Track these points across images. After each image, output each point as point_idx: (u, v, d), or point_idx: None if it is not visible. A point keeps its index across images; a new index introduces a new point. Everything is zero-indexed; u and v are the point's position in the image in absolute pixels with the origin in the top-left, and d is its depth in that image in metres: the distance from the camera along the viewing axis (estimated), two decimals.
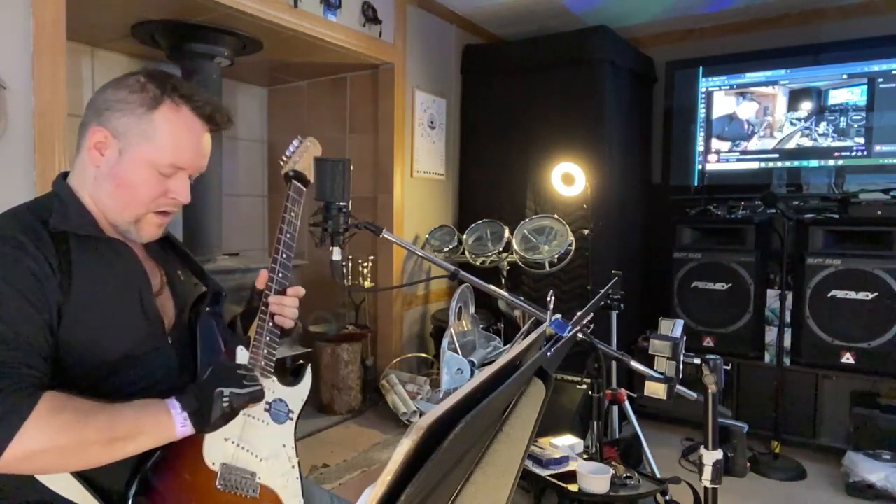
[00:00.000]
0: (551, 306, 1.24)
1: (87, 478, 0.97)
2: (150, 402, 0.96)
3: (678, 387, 1.23)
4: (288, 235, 1.23)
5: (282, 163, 1.30)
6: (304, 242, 3.88)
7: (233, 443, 1.09)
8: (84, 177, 1.06)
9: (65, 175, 1.10)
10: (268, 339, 1.18)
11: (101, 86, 1.08)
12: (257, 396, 1.03)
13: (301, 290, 1.23)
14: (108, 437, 0.90)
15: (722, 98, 3.67)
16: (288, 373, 1.24)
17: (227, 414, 0.99)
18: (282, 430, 1.17)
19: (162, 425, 0.95)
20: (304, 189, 1.30)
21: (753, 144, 3.58)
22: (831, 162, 3.36)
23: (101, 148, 1.04)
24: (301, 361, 1.28)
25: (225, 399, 0.98)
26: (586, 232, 3.31)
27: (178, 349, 1.13)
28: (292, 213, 1.25)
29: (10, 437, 0.83)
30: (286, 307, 1.20)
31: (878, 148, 3.25)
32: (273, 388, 1.17)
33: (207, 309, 1.18)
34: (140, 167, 1.04)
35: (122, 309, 1.04)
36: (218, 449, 1.06)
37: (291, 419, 1.19)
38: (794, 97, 3.46)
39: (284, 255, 1.22)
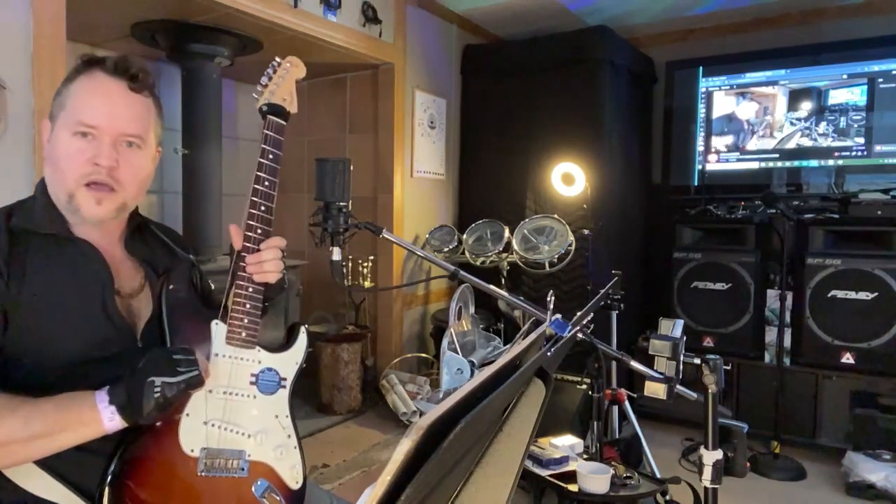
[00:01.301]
0: (551, 306, 1.24)
1: (61, 475, 0.96)
2: (76, 396, 0.92)
3: (678, 387, 1.23)
4: (266, 184, 1.10)
5: (255, 95, 1.12)
6: (305, 242, 3.88)
7: (214, 425, 1.04)
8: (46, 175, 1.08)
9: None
10: (248, 306, 1.07)
11: None
12: (193, 383, 0.95)
13: (281, 241, 1.11)
14: (26, 436, 0.88)
15: (722, 98, 3.67)
16: (276, 343, 1.14)
17: (160, 404, 0.92)
18: (273, 401, 1.10)
19: (86, 420, 0.91)
20: (284, 124, 1.13)
21: (753, 144, 3.58)
22: (831, 162, 3.36)
23: (45, 136, 1.06)
24: (296, 322, 1.19)
25: (157, 389, 0.92)
26: (586, 232, 3.31)
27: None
28: (270, 157, 1.11)
29: None
30: (265, 262, 1.08)
31: (878, 148, 3.25)
32: (259, 357, 1.09)
33: (171, 286, 1.09)
34: (60, 136, 1.03)
35: (80, 310, 1.01)
36: (196, 434, 1.02)
37: (284, 387, 1.11)
38: (794, 97, 3.46)
39: (263, 208, 1.10)
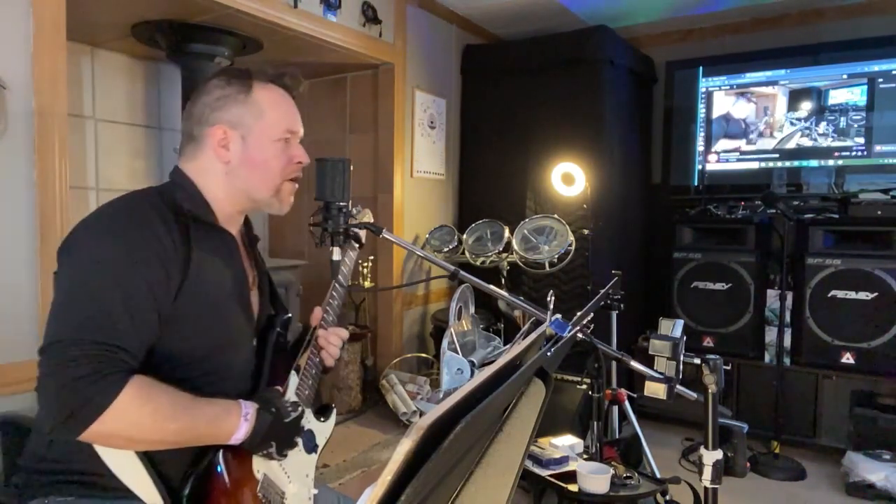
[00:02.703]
0: (551, 306, 1.24)
1: (151, 459, 1.00)
2: (223, 415, 1.01)
3: (678, 387, 1.23)
4: (340, 284, 1.34)
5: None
6: (305, 242, 3.88)
7: (274, 459, 1.12)
8: (207, 175, 1.14)
9: (178, 168, 1.16)
10: (313, 371, 1.25)
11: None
12: (276, 459, 1.09)
13: (345, 333, 1.31)
14: (176, 440, 0.97)
15: (722, 98, 3.67)
16: (315, 409, 1.29)
17: (264, 455, 1.06)
18: (308, 460, 1.20)
19: (222, 439, 1.01)
20: (357, 247, 1.42)
21: (753, 144, 3.58)
22: (831, 162, 3.36)
23: (224, 144, 1.12)
24: (330, 404, 1.33)
25: (272, 448, 1.06)
26: (586, 232, 3.31)
27: (257, 349, 1.20)
28: (346, 266, 1.37)
29: (94, 418, 0.88)
30: (331, 345, 1.27)
31: (878, 148, 3.25)
32: (309, 418, 1.22)
33: (279, 330, 1.26)
34: (266, 143, 1.13)
35: (228, 297, 1.11)
36: (263, 461, 1.10)
37: (315, 452, 1.23)
38: (794, 97, 3.46)
39: (336, 301, 1.33)
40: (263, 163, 1.13)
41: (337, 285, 1.33)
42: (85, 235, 1.00)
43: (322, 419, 1.27)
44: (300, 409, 1.12)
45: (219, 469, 1.03)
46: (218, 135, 1.11)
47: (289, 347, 1.32)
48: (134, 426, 0.92)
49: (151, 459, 0.99)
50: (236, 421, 1.01)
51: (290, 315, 1.30)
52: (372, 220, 1.49)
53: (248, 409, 1.03)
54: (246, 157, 1.13)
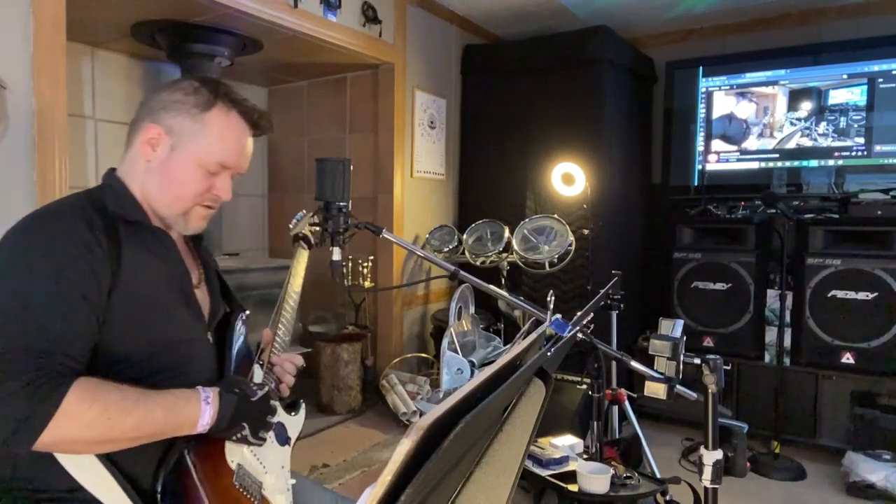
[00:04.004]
0: (551, 306, 1.24)
1: (115, 461, 0.99)
2: (181, 403, 0.99)
3: (678, 387, 1.23)
4: (291, 299, 1.34)
5: (290, 226, 1.51)
6: None
7: (248, 448, 1.11)
8: (133, 171, 1.12)
9: (113, 170, 1.15)
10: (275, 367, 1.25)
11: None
12: (255, 444, 1.08)
13: (300, 360, 1.30)
14: (138, 435, 0.95)
15: (722, 98, 3.67)
16: (284, 403, 1.29)
17: (239, 439, 1.05)
18: (282, 452, 1.20)
19: (188, 428, 0.99)
20: (307, 249, 1.46)
21: (753, 144, 3.58)
22: (831, 162, 3.36)
23: (153, 144, 1.10)
24: (298, 399, 1.31)
25: (245, 432, 1.04)
26: (586, 232, 3.31)
27: (217, 347, 1.18)
28: (298, 275, 1.39)
29: (42, 427, 0.86)
30: (287, 374, 1.26)
31: (878, 148, 3.25)
32: (279, 412, 1.21)
33: (248, 312, 1.27)
34: (189, 164, 1.10)
35: (167, 295, 1.08)
36: (237, 450, 1.09)
37: (289, 445, 1.22)
38: (794, 97, 3.46)
39: (289, 316, 1.32)
40: (179, 182, 1.10)
41: (288, 300, 1.30)
42: (8, 246, 0.98)
43: (292, 413, 1.27)
44: (266, 388, 1.10)
45: (189, 461, 1.01)
46: (152, 132, 1.09)
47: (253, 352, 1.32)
48: (87, 427, 0.90)
49: (116, 464, 0.98)
50: (196, 405, 0.99)
51: (247, 312, 1.29)
52: (314, 224, 1.55)
53: (208, 392, 1.01)
54: (165, 167, 1.10)
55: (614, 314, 2.58)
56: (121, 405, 0.92)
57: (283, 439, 1.21)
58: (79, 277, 0.95)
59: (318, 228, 1.55)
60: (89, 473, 0.96)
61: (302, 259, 1.43)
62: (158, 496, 0.99)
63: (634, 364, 1.33)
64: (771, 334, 3.18)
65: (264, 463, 1.13)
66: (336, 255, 1.58)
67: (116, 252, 1.01)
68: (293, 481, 1.20)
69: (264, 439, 1.09)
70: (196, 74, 2.98)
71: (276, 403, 1.17)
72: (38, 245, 0.96)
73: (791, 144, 3.47)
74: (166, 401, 0.97)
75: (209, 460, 1.04)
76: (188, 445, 1.02)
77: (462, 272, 1.55)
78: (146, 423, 0.94)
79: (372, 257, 3.54)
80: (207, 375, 1.12)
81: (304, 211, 1.53)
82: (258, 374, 1.20)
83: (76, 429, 0.89)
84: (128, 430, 0.93)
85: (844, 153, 3.32)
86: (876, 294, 2.86)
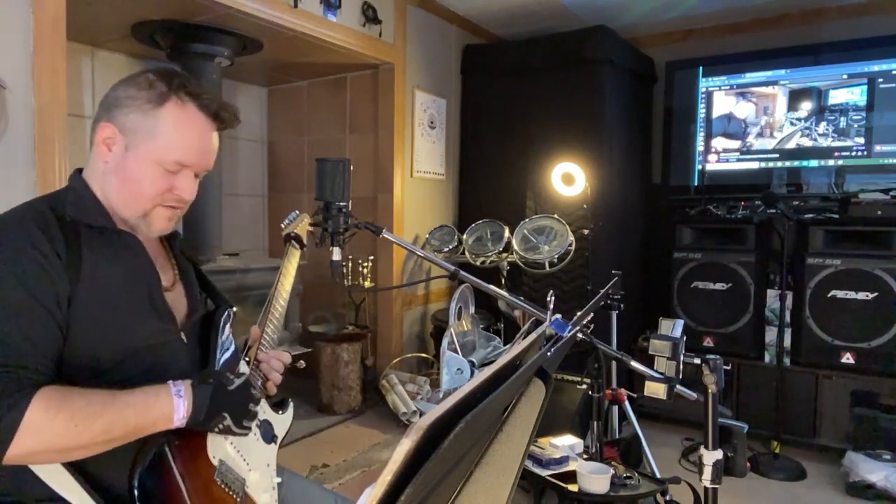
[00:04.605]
0: (551, 306, 1.24)
1: (83, 468, 0.96)
2: (151, 400, 0.95)
3: (678, 387, 1.23)
4: (280, 297, 1.32)
5: (283, 226, 1.51)
6: (305, 242, 3.87)
7: (231, 444, 1.09)
8: (94, 171, 1.08)
9: (80, 171, 1.12)
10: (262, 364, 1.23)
11: (111, 84, 1.10)
12: (240, 434, 1.06)
13: (287, 357, 1.27)
14: (110, 438, 0.92)
15: (722, 98, 3.67)
16: (272, 402, 1.28)
17: (221, 430, 1.02)
18: (268, 450, 1.18)
19: (162, 424, 0.96)
20: (299, 249, 1.46)
21: (753, 144, 3.58)
22: (831, 162, 3.36)
23: (108, 143, 1.05)
24: (286, 398, 1.30)
25: (227, 420, 1.02)
26: (586, 232, 3.31)
27: (191, 346, 1.14)
28: (289, 275, 1.38)
29: (7, 441, 0.85)
30: (274, 371, 1.23)
31: (878, 148, 3.25)
32: (264, 408, 1.21)
33: (234, 310, 1.24)
34: (145, 164, 1.04)
35: (131, 300, 1.04)
36: (219, 446, 1.07)
37: (275, 443, 1.21)
38: (794, 97, 3.46)
39: (279, 314, 1.30)
40: (135, 182, 1.05)
41: (279, 299, 1.28)
42: None
43: (280, 411, 1.25)
44: (244, 376, 1.08)
45: (169, 456, 1.00)
46: (107, 132, 1.04)
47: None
48: (56, 437, 0.87)
49: (85, 472, 0.96)
50: (168, 400, 0.96)
51: (234, 309, 1.26)
52: (309, 227, 1.56)
53: (179, 386, 0.98)
54: (121, 167, 1.05)
55: (614, 314, 2.58)
56: (87, 410, 0.90)
57: (268, 437, 1.19)
58: (37, 287, 0.92)
59: (318, 228, 1.55)
60: (60, 482, 0.95)
61: (293, 259, 1.42)
62: (136, 492, 0.96)
63: (634, 364, 1.33)
64: (771, 334, 3.18)
65: (248, 460, 1.11)
66: (336, 255, 1.58)
67: (76, 260, 0.97)
68: (279, 479, 1.18)
69: (249, 428, 1.06)
70: (196, 74, 2.98)
71: (259, 394, 1.14)
72: None
73: (791, 144, 3.47)
74: (135, 399, 0.94)
75: (190, 455, 1.02)
76: (168, 440, 1.00)
77: (462, 272, 1.55)
78: (116, 425, 0.92)
79: (372, 257, 3.54)
80: (187, 376, 1.09)
81: (297, 211, 1.53)
82: (244, 368, 1.19)
83: (45, 439, 0.87)
84: (98, 434, 0.90)
85: (844, 153, 3.32)
86: (876, 294, 2.86)
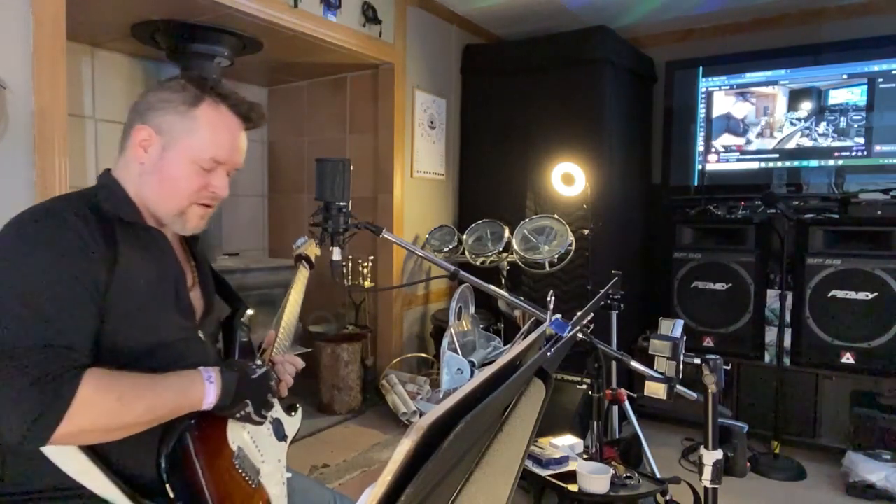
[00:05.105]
0: (551, 306, 1.24)
1: (109, 461, 0.99)
2: (187, 384, 1.00)
3: (678, 387, 1.23)
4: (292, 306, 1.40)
5: (294, 247, 1.61)
6: None
7: (249, 434, 1.13)
8: (128, 173, 1.12)
9: (109, 171, 1.15)
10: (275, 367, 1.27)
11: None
12: (258, 422, 1.09)
13: (300, 363, 1.32)
14: (150, 419, 0.97)
15: (722, 98, 3.67)
16: (283, 404, 1.31)
17: (241, 417, 1.06)
18: (279, 447, 1.22)
19: (193, 408, 1.01)
20: (308, 269, 1.54)
21: (753, 144, 3.58)
22: (831, 162, 3.36)
23: (145, 145, 1.10)
24: (296, 404, 1.34)
25: (248, 407, 1.06)
26: (586, 232, 3.31)
27: (208, 344, 1.19)
28: (297, 291, 1.46)
29: (56, 423, 0.87)
30: (287, 375, 1.27)
31: (878, 148, 3.25)
32: (276, 408, 1.24)
33: (250, 312, 1.31)
34: (182, 162, 1.10)
35: (159, 296, 1.08)
36: (238, 433, 1.10)
37: (285, 442, 1.25)
38: (794, 97, 3.46)
39: (292, 320, 1.38)
40: (173, 180, 1.10)
41: (290, 311, 1.35)
42: (7, 242, 0.97)
43: (291, 413, 1.30)
44: (265, 367, 1.12)
45: (190, 442, 1.03)
46: (142, 134, 1.09)
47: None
48: (104, 415, 0.91)
49: (108, 461, 0.98)
50: (201, 385, 1.01)
51: (250, 311, 1.31)
52: (316, 251, 1.62)
53: (210, 372, 1.03)
54: (158, 167, 1.10)
55: (614, 314, 2.58)
56: (133, 392, 0.94)
57: (280, 435, 1.23)
58: (80, 272, 0.95)
59: (318, 228, 1.55)
60: (82, 469, 0.97)
61: (302, 277, 1.49)
62: (165, 475, 1.00)
63: (634, 364, 1.33)
64: (771, 334, 3.18)
65: (262, 452, 1.15)
66: (336, 255, 1.58)
67: (112, 251, 1.01)
68: (289, 475, 1.21)
69: (265, 418, 1.10)
70: (194, 73, 2.98)
71: (275, 387, 1.17)
72: (37, 240, 0.96)
73: (791, 144, 3.47)
74: (173, 383, 0.99)
75: (211, 441, 1.06)
76: (189, 426, 1.03)
77: (462, 272, 1.55)
78: (157, 406, 0.96)
79: (372, 257, 3.54)
80: None
81: (306, 237, 1.61)
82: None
83: (94, 418, 0.90)
84: (141, 415, 0.94)
85: (844, 153, 3.32)
86: (876, 294, 2.86)
